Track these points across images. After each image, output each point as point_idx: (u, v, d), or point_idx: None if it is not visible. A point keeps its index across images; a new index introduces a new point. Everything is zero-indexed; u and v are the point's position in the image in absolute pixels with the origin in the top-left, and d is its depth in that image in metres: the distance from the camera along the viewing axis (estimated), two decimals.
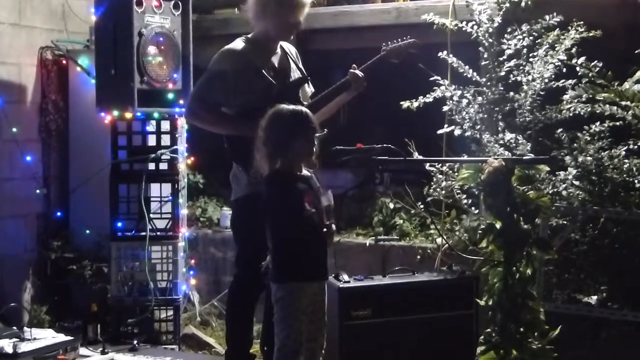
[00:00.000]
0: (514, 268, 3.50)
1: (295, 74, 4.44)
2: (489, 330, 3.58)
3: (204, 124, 4.41)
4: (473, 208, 4.86)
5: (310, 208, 3.58)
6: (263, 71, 4.28)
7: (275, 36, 4.35)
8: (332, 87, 4.37)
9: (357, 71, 4.36)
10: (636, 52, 4.60)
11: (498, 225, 3.54)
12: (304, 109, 3.73)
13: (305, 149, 3.64)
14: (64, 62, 6.05)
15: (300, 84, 4.43)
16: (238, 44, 4.34)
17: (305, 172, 3.71)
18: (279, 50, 4.44)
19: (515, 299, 3.48)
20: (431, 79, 4.89)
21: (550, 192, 4.47)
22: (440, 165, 4.91)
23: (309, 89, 4.50)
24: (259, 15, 4.30)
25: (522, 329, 3.49)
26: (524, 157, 4.07)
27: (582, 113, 4.62)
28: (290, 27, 4.33)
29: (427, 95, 4.88)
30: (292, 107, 3.71)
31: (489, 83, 4.89)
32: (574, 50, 4.65)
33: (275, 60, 4.39)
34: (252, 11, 4.33)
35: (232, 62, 4.25)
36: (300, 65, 4.51)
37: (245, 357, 4.47)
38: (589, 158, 4.55)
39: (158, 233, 5.34)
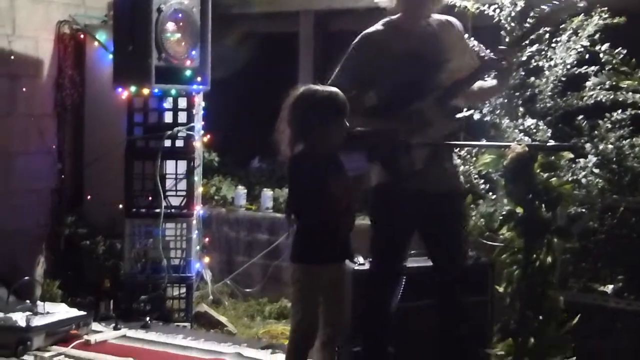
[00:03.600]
0: (534, 256, 3.46)
1: (439, 57, 3.82)
2: (506, 317, 3.55)
3: None
4: (490, 193, 4.82)
5: (332, 190, 3.46)
6: (398, 57, 3.78)
7: (403, 13, 3.83)
8: (472, 72, 3.79)
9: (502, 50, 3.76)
10: None
11: (519, 212, 3.50)
12: (339, 92, 3.50)
13: (333, 135, 3.48)
14: (82, 36, 6.02)
15: (440, 66, 3.81)
16: (375, 27, 3.90)
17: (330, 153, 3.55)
18: (426, 30, 3.86)
19: (535, 287, 3.45)
20: None
21: (569, 179, 4.42)
22: (458, 149, 4.87)
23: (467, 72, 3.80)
24: None
25: (540, 318, 3.46)
26: (548, 144, 4.02)
27: (604, 100, 4.58)
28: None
29: None
30: (323, 88, 3.52)
31: None
32: (597, 36, 4.60)
33: (416, 42, 3.81)
34: None
35: (365, 49, 3.85)
36: (453, 45, 3.86)
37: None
38: (609, 146, 4.51)
39: (172, 210, 5.34)
